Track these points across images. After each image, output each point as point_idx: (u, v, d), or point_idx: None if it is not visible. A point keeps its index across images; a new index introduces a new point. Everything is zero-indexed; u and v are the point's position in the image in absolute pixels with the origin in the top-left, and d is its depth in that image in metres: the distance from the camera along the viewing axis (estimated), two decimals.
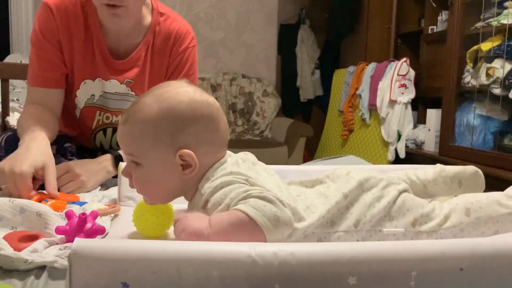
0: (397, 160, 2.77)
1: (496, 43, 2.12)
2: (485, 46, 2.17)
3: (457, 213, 0.71)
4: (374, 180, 0.72)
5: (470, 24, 2.33)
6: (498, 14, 2.16)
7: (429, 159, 2.55)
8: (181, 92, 0.68)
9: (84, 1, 1.12)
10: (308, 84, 3.93)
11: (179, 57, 1.22)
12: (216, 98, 3.75)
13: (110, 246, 0.50)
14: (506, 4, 2.13)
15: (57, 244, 0.69)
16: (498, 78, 2.09)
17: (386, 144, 2.84)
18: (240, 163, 0.71)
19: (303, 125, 3.47)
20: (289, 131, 3.43)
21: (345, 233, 0.67)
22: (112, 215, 0.85)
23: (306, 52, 3.93)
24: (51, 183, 0.88)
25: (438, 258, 0.54)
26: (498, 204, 0.72)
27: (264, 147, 3.32)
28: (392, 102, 2.79)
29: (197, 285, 0.50)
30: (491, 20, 2.18)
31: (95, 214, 0.73)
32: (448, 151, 2.41)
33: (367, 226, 0.68)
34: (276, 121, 3.74)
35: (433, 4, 2.76)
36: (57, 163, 1.07)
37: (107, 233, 0.77)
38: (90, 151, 1.21)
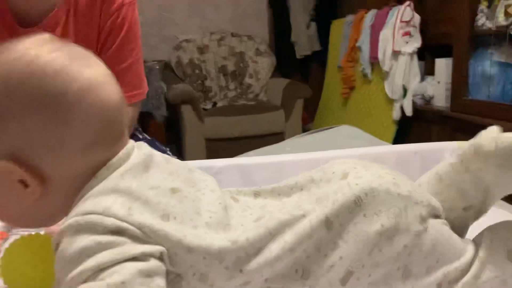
0: (404, 118, 2.49)
1: None
2: None
3: (496, 257, 0.44)
4: (385, 197, 0.43)
5: None
6: None
7: (439, 116, 2.27)
8: (3, 61, 0.42)
9: None
10: (304, 38, 3.60)
11: (112, 19, 0.95)
12: (204, 61, 3.49)
13: None
14: None
15: None
16: None
17: (391, 101, 2.55)
18: (155, 166, 0.44)
19: (300, 85, 3.17)
20: (285, 93, 3.14)
21: None
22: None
23: (300, 2, 3.57)
24: None
25: None
26: None
27: (260, 113, 3.04)
28: (396, 53, 2.48)
29: None
30: None
31: None
32: (461, 106, 2.12)
33: (364, 283, 0.41)
34: (271, 82, 3.44)
35: None
36: None
37: None
38: None
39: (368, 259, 0.41)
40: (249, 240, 0.41)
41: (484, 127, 1.71)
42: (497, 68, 1.96)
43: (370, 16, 2.75)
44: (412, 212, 0.43)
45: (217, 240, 0.40)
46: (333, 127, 1.30)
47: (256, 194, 0.49)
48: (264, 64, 3.50)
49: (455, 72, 2.15)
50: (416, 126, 2.49)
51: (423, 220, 0.43)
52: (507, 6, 1.81)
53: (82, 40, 0.93)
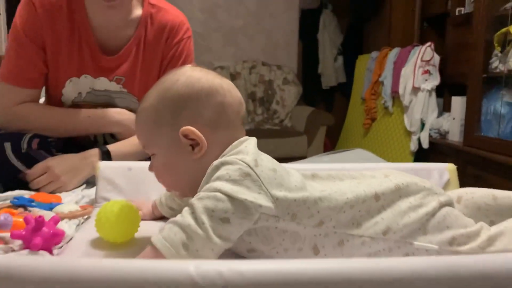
0: (420, 151, 2.64)
1: None
2: None
3: (505, 237, 0.63)
4: (415, 187, 0.65)
5: (498, 5, 2.16)
6: None
7: (453, 150, 2.42)
8: (178, 72, 0.65)
9: None
10: (330, 71, 3.82)
11: (173, 50, 1.17)
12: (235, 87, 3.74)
13: (32, 265, 0.45)
14: None
15: (14, 251, 0.66)
16: None
17: (409, 133, 2.71)
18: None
19: (324, 114, 3.37)
20: (309, 120, 3.34)
21: (371, 239, 0.61)
22: (84, 217, 0.81)
23: (329, 37, 3.81)
24: None
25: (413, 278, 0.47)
26: None
27: (283, 137, 3.24)
28: (415, 89, 2.65)
29: None
30: None
31: (55, 219, 0.69)
32: (473, 141, 2.26)
33: (397, 235, 0.62)
34: (296, 109, 3.65)
35: None
36: (40, 159, 1.04)
37: (71, 238, 0.73)
38: (79, 147, 1.18)
39: (401, 221, 0.62)
40: (322, 193, 0.60)
41: (493, 162, 1.96)
42: (508, 108, 2.11)
43: (393, 54, 2.94)
44: (432, 197, 0.65)
45: (301, 192, 0.59)
46: (349, 149, 1.48)
47: (314, 176, 0.68)
48: (291, 92, 3.72)
49: (469, 110, 2.31)
50: (432, 158, 2.63)
51: (439, 203, 0.64)
52: None
53: (147, 66, 1.15)
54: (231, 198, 0.54)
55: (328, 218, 0.59)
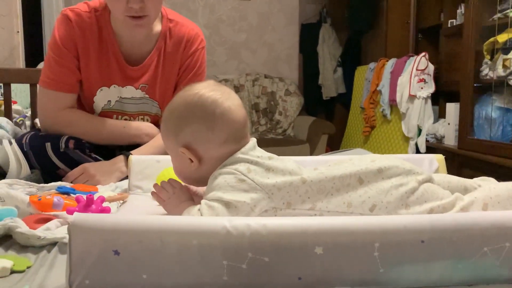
0: None
1: None
2: (502, 37, 2.15)
3: (475, 207, 0.72)
4: (396, 169, 0.73)
5: (487, 16, 2.31)
6: None
7: (449, 153, 2.54)
8: (185, 95, 0.74)
9: (98, 14, 1.21)
10: (330, 82, 3.96)
11: (189, 59, 1.31)
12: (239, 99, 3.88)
13: (102, 219, 0.58)
14: None
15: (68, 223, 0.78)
16: None
17: (407, 139, 2.84)
18: (258, 148, 0.75)
19: (325, 123, 3.50)
20: (311, 129, 3.47)
21: (361, 215, 0.69)
22: (121, 201, 0.94)
23: (328, 50, 3.96)
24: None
25: (400, 231, 0.57)
26: None
27: (287, 145, 3.37)
28: (412, 97, 2.79)
29: (178, 252, 0.56)
30: (507, 11, 2.16)
31: (102, 198, 0.82)
32: (467, 145, 2.39)
33: (383, 211, 0.70)
34: (298, 119, 3.78)
35: None
36: (76, 158, 1.17)
37: None
38: (107, 148, 1.30)
39: (384, 198, 0.70)
40: (312, 180, 0.69)
41: (486, 163, 2.11)
42: (498, 112, 2.24)
43: (390, 64, 3.09)
44: (412, 177, 0.73)
45: (294, 179, 0.69)
46: (350, 149, 1.60)
47: (315, 169, 0.78)
48: (293, 103, 3.86)
49: (462, 115, 2.44)
50: None
51: (418, 181, 0.73)
52: (504, 60, 2.12)
53: (166, 74, 1.29)
54: (227, 203, 0.66)
55: (320, 201, 0.69)
